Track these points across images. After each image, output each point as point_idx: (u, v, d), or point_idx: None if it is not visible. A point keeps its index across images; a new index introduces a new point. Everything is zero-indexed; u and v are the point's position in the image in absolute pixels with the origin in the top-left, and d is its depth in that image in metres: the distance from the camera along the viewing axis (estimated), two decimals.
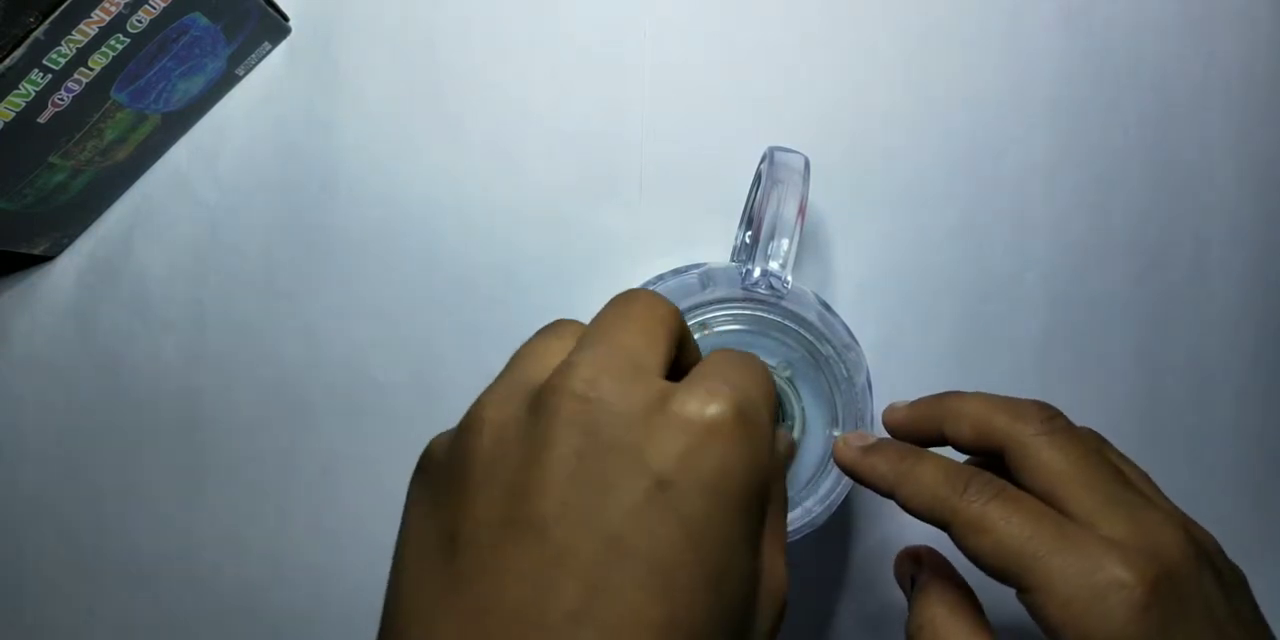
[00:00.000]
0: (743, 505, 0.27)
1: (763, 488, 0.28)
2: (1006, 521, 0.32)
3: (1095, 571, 0.31)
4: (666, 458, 0.26)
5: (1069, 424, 0.35)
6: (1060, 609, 0.31)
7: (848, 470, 0.37)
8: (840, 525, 0.51)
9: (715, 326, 0.43)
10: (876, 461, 0.36)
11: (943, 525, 0.34)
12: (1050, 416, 0.35)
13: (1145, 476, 0.37)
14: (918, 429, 0.38)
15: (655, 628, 0.25)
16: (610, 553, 0.25)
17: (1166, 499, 0.36)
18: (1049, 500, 0.33)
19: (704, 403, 0.27)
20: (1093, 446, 0.35)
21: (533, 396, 0.28)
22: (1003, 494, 0.33)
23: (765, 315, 0.43)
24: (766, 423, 0.29)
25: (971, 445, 0.36)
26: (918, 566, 0.38)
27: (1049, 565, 0.31)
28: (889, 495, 0.36)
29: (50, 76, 0.40)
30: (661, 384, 0.28)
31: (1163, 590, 0.31)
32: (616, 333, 0.30)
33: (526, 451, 0.27)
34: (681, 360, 0.32)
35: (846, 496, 0.42)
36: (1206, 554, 0.33)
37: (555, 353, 0.30)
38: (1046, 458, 0.34)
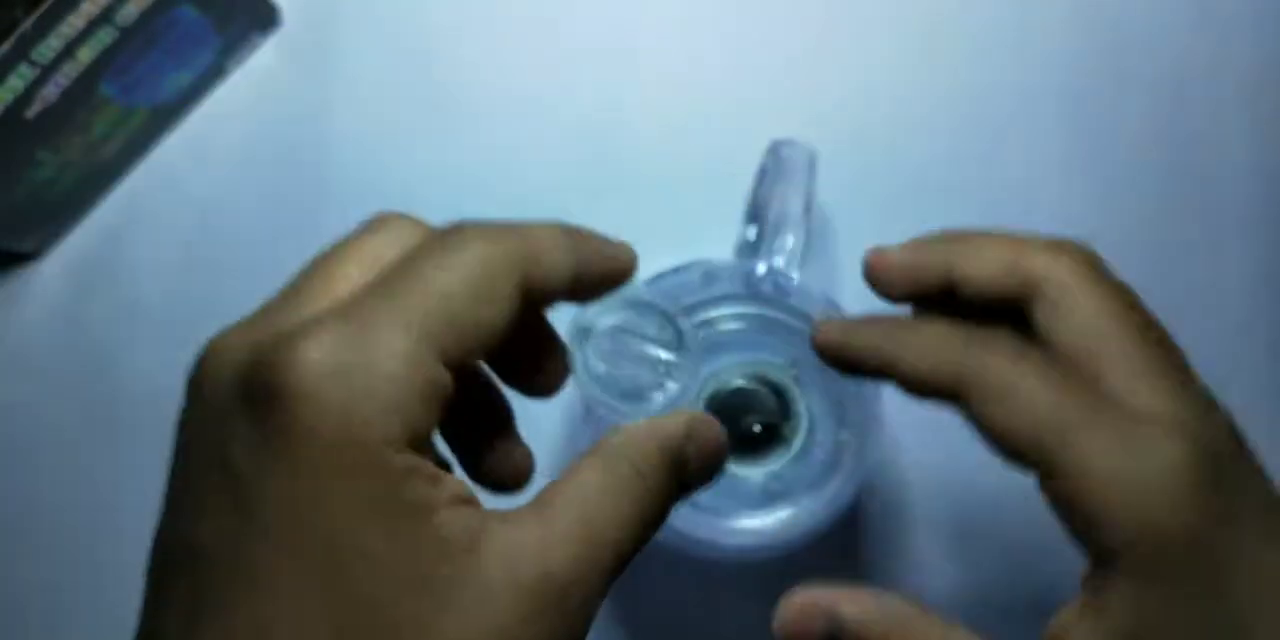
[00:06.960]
0: None
1: None
2: (1031, 384, 0.26)
3: (1140, 451, 0.26)
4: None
5: (1110, 271, 0.30)
6: (1099, 492, 0.25)
7: (833, 351, 0.30)
8: (848, 533, 0.50)
9: (718, 325, 0.42)
10: (867, 332, 0.29)
11: (952, 394, 0.27)
12: (1093, 258, 0.29)
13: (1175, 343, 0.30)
14: (919, 269, 0.29)
15: None
16: None
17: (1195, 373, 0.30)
18: (1081, 361, 0.27)
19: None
20: (1135, 299, 0.29)
21: (250, 363, 0.23)
22: (1026, 352, 0.27)
23: (770, 313, 0.42)
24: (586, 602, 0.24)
25: (989, 288, 0.29)
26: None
27: (1081, 440, 0.26)
28: (884, 373, 0.29)
29: (38, 70, 0.40)
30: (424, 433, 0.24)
31: (1216, 475, 0.26)
32: (422, 283, 0.24)
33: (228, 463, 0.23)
34: (527, 336, 0.28)
35: (856, 502, 0.42)
36: (1246, 442, 0.28)
37: (346, 280, 0.25)
38: (1093, 308, 0.27)
